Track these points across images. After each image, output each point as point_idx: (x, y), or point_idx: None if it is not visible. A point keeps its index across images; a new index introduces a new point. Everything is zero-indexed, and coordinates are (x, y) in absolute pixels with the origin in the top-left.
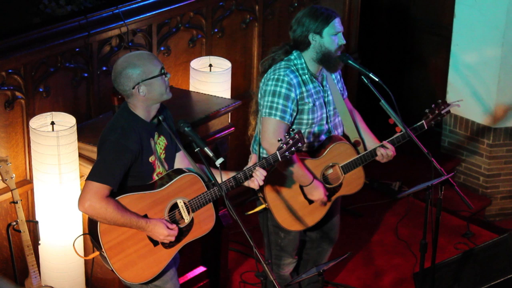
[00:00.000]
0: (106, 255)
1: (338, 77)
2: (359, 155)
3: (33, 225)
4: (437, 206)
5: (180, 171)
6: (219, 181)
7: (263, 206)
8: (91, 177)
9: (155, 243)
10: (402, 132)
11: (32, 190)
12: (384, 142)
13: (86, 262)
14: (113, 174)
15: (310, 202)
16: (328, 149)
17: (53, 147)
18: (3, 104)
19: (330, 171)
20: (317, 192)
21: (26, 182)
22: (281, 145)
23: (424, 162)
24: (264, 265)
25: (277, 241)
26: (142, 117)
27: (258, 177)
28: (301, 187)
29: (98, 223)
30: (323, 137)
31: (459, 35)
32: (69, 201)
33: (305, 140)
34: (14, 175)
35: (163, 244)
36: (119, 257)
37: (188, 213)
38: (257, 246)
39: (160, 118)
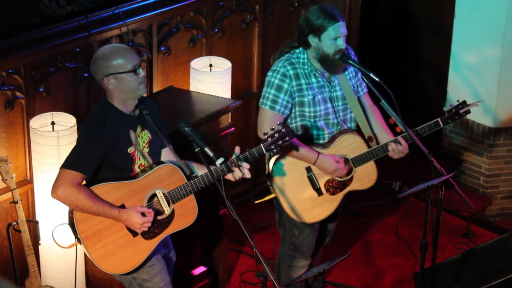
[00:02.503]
0: (83, 244)
1: (353, 73)
2: (370, 149)
3: (33, 225)
4: (437, 206)
5: (160, 163)
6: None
7: (272, 195)
8: (64, 165)
9: (134, 233)
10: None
11: (32, 190)
12: (399, 138)
13: (86, 262)
14: (86, 162)
15: (320, 194)
16: (336, 140)
17: (53, 147)
18: (3, 104)
19: None
20: (328, 163)
21: (26, 182)
22: (266, 138)
23: (424, 162)
24: (264, 265)
25: (292, 240)
26: (119, 108)
27: (242, 170)
28: (310, 178)
29: (74, 211)
30: (332, 129)
31: (459, 35)
32: None
33: (312, 132)
34: (14, 175)
35: (143, 235)
36: (96, 246)
37: (168, 204)
38: (257, 245)
39: (144, 112)
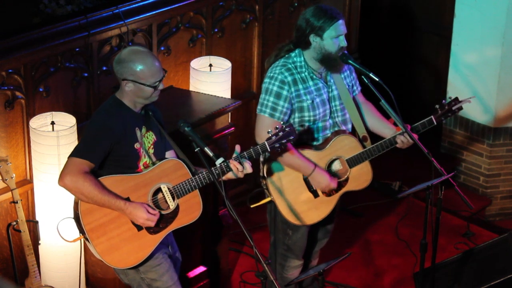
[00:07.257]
0: (88, 236)
1: (347, 72)
2: (365, 149)
3: (33, 225)
4: (437, 206)
5: (164, 158)
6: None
7: (268, 199)
8: (73, 153)
9: (138, 227)
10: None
11: (32, 190)
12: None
13: (86, 262)
14: (93, 151)
15: (316, 196)
16: (331, 142)
17: (53, 147)
18: (3, 104)
19: (338, 166)
20: (322, 179)
21: (26, 182)
22: (271, 136)
23: (424, 162)
24: (264, 265)
25: (284, 240)
26: (128, 106)
27: (243, 164)
28: (306, 181)
29: (79, 204)
30: (327, 132)
31: (459, 35)
32: (69, 201)
33: (309, 136)
34: (14, 175)
35: (148, 229)
36: (101, 239)
37: (173, 199)
38: (257, 245)
39: (150, 113)
